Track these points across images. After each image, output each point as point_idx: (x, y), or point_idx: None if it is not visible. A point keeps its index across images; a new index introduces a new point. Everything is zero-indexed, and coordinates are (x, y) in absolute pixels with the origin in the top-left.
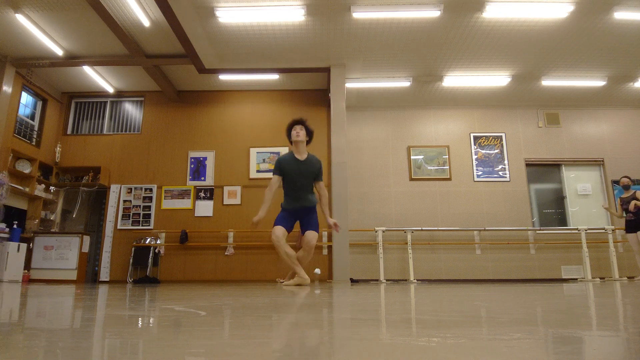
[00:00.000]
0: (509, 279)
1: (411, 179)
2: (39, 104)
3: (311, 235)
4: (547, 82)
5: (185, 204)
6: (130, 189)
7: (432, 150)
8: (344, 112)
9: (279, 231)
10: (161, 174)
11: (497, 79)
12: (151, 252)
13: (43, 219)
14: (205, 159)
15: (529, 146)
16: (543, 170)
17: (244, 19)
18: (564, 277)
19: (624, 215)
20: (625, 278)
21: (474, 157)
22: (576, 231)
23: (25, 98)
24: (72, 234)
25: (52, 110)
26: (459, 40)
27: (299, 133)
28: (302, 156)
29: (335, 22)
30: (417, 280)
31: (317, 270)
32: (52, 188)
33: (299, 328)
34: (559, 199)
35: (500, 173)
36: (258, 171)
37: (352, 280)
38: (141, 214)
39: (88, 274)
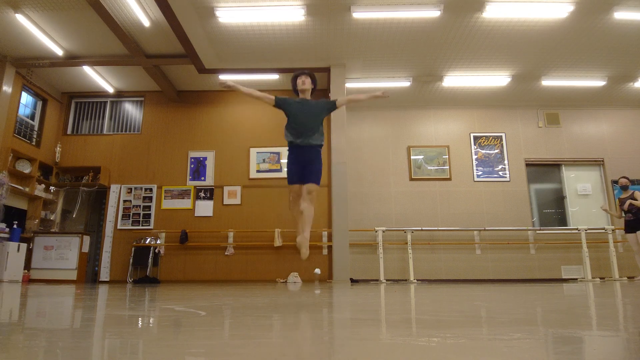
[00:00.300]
0: (509, 279)
1: (411, 179)
2: (39, 104)
3: (312, 187)
4: (547, 82)
5: (185, 204)
6: (130, 189)
7: (432, 150)
8: (344, 112)
9: (297, 189)
10: (161, 174)
11: (497, 79)
12: (151, 252)
13: (43, 219)
14: (205, 159)
15: (529, 146)
16: (543, 170)
17: (244, 19)
18: (564, 277)
19: (623, 215)
20: (625, 278)
21: (474, 157)
22: (576, 231)
23: (25, 98)
24: (72, 234)
25: (52, 110)
26: (459, 40)
27: (305, 81)
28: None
29: (335, 22)
30: (417, 280)
31: (317, 271)
32: (52, 188)
33: (299, 328)
34: (559, 199)
35: (500, 173)
36: (258, 171)
37: (352, 280)
38: (141, 214)
39: (88, 274)
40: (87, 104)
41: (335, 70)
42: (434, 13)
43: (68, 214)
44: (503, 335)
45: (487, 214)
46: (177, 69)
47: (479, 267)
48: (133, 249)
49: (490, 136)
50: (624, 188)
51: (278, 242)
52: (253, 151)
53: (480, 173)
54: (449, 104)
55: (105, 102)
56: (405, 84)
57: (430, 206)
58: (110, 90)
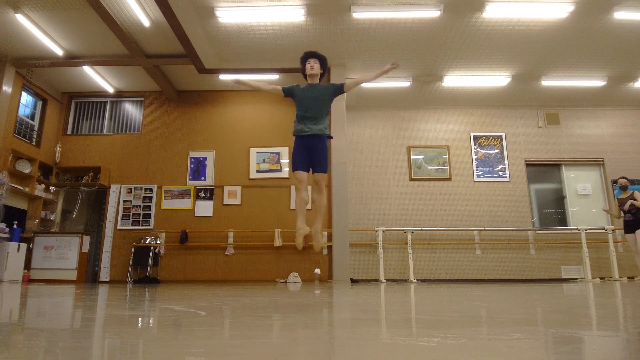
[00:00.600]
0: (509, 279)
1: (411, 179)
2: (39, 104)
3: (319, 176)
4: (547, 82)
5: (185, 204)
6: (130, 189)
7: (432, 150)
8: (344, 112)
9: (300, 175)
10: (161, 174)
11: (497, 79)
12: (151, 252)
13: (43, 219)
14: (205, 159)
15: (529, 146)
16: (543, 170)
17: (244, 19)
18: (564, 277)
19: (622, 215)
20: (625, 278)
21: (474, 157)
22: (576, 231)
23: (25, 98)
24: (72, 234)
25: (52, 110)
26: (459, 40)
27: (314, 66)
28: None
29: (335, 22)
30: (417, 280)
31: (317, 271)
32: (52, 188)
33: (299, 328)
34: (559, 199)
35: (500, 173)
36: (258, 171)
37: (352, 280)
38: (141, 214)
39: (88, 274)
40: (87, 104)
41: (335, 70)
42: (434, 13)
43: (68, 214)
44: (503, 335)
45: (487, 214)
46: (177, 69)
47: (479, 267)
48: (133, 249)
49: (490, 136)
50: (624, 188)
51: (278, 242)
52: (253, 151)
53: (480, 173)
54: (449, 104)
55: (105, 102)
56: (405, 84)
57: (430, 206)
58: (110, 90)
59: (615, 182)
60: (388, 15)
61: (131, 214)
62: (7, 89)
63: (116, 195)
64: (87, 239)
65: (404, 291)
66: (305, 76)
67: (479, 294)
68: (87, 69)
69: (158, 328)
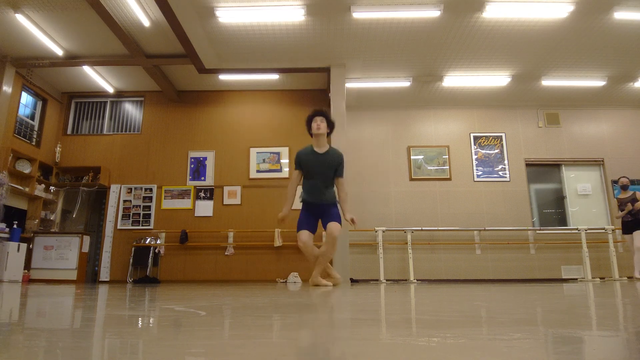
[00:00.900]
0: (509, 279)
1: (411, 179)
2: (39, 104)
3: (333, 227)
4: (547, 82)
5: (185, 204)
6: (130, 189)
7: (432, 150)
8: (344, 112)
9: (304, 236)
10: (161, 174)
11: (497, 79)
12: (151, 252)
13: (43, 219)
14: (205, 159)
15: (529, 146)
16: (543, 170)
17: (244, 19)
18: (564, 277)
19: (620, 212)
20: (625, 278)
21: (474, 157)
22: (576, 231)
23: (25, 98)
24: (72, 234)
25: (52, 110)
26: (459, 40)
27: (320, 125)
28: (321, 149)
29: (335, 22)
30: (417, 280)
31: None
32: (52, 188)
33: (299, 328)
34: (559, 199)
35: (500, 173)
36: (258, 171)
37: (352, 280)
38: (141, 214)
39: (88, 274)
40: (87, 104)
41: (335, 70)
42: (434, 13)
43: (68, 214)
44: (503, 335)
45: (487, 214)
46: (177, 69)
47: (479, 267)
48: (133, 249)
49: (490, 136)
50: (624, 188)
51: (278, 242)
52: (253, 151)
53: (480, 173)
54: (449, 104)
55: (105, 102)
56: (405, 84)
57: (430, 206)
58: (110, 90)
59: (615, 182)
60: (388, 15)
61: (131, 214)
62: (7, 89)
63: (116, 195)
64: (87, 239)
65: (404, 291)
66: (310, 134)
67: (479, 294)
68: (87, 69)
69: (158, 328)
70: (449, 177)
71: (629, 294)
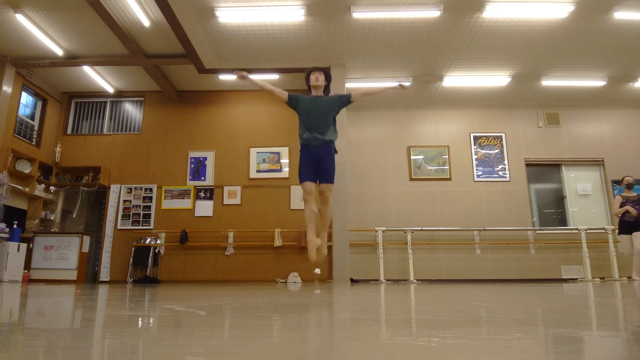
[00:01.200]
0: (509, 279)
1: (411, 179)
2: (39, 104)
3: (325, 187)
4: (547, 82)
5: (185, 204)
6: (130, 189)
7: (432, 150)
8: (344, 112)
9: (309, 187)
10: (161, 174)
11: (497, 79)
12: (151, 252)
13: (43, 219)
14: (205, 159)
15: (529, 146)
16: (543, 170)
17: (244, 19)
18: (564, 277)
19: (618, 209)
20: (625, 278)
21: (474, 157)
22: (576, 231)
23: (25, 98)
24: (72, 234)
25: (52, 110)
26: (459, 40)
27: (318, 78)
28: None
29: (335, 22)
30: (417, 280)
31: (317, 270)
32: (52, 188)
33: (299, 328)
34: (559, 199)
35: (500, 173)
36: (258, 171)
37: (352, 280)
38: (141, 214)
39: (88, 274)
40: (87, 104)
41: (335, 70)
42: (434, 13)
43: (68, 214)
44: (503, 335)
45: (487, 214)
46: (177, 69)
47: (479, 267)
48: (133, 249)
49: (490, 136)
50: (629, 186)
51: (278, 242)
52: (253, 151)
53: (480, 173)
54: (449, 104)
55: (105, 102)
56: (405, 84)
57: (430, 206)
58: (110, 90)
59: (615, 182)
60: (388, 15)
61: (131, 214)
62: (7, 89)
63: (116, 195)
64: (87, 239)
65: (404, 291)
66: (309, 88)
67: (479, 294)
68: (87, 69)
69: (158, 328)
70: (449, 177)
71: (629, 294)
